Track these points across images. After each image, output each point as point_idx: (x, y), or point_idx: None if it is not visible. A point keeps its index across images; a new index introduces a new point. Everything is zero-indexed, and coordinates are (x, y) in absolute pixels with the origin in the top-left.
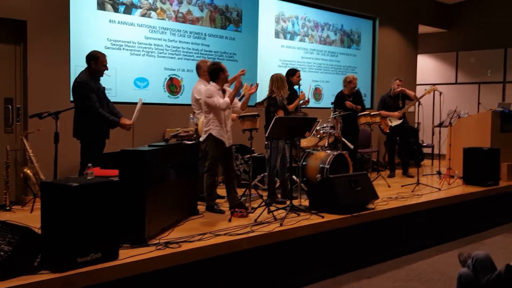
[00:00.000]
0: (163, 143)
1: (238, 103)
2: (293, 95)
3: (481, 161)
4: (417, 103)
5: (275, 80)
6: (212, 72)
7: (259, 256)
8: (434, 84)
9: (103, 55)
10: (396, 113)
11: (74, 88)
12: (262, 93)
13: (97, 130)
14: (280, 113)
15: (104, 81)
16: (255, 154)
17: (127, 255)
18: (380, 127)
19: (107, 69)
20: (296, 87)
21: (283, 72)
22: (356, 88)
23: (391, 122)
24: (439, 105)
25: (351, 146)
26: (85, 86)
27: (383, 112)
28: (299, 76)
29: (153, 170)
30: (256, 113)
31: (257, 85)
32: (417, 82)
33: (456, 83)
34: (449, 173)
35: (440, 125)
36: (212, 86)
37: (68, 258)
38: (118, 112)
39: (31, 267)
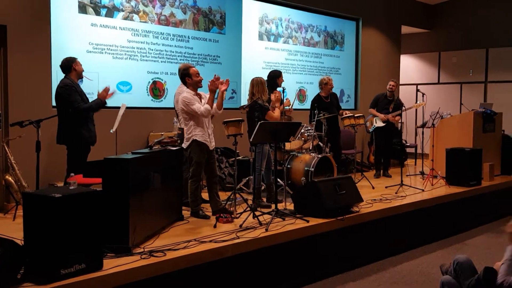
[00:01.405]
0: (147, 150)
1: (214, 105)
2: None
3: (464, 162)
4: (403, 109)
5: (256, 83)
6: (181, 78)
7: (245, 262)
8: (417, 84)
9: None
10: (382, 116)
11: (59, 93)
12: (245, 95)
13: (82, 134)
14: (277, 112)
15: (86, 85)
16: (240, 158)
17: (112, 265)
18: (365, 125)
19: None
20: (280, 89)
21: (266, 73)
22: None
23: (376, 123)
24: (422, 106)
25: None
26: (70, 88)
27: (372, 111)
28: (282, 78)
29: (137, 178)
30: (240, 118)
31: (227, 81)
32: (401, 82)
33: (438, 83)
34: (432, 173)
35: (423, 125)
36: (188, 93)
37: (52, 270)
38: None
39: (14, 279)
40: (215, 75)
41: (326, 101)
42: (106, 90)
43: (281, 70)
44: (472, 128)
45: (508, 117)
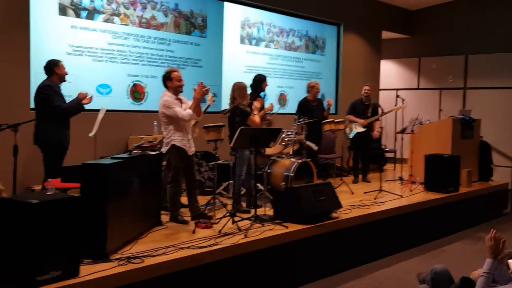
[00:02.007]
0: (126, 155)
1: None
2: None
3: (442, 168)
4: (380, 111)
5: (237, 88)
6: (163, 81)
7: (224, 268)
8: (397, 89)
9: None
10: (361, 121)
11: (38, 93)
12: (226, 99)
13: (56, 137)
14: (256, 118)
15: (65, 88)
16: (220, 162)
17: (89, 271)
18: (345, 132)
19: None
20: (262, 93)
21: (250, 77)
22: (319, 95)
23: (356, 128)
24: (402, 111)
25: (315, 148)
26: (51, 89)
27: (350, 117)
28: (266, 84)
29: (116, 184)
30: (221, 123)
31: (208, 89)
32: (381, 87)
33: (418, 88)
34: (410, 179)
35: (403, 131)
36: (169, 97)
37: (27, 276)
38: None
39: None
40: (200, 83)
41: (312, 105)
42: (86, 95)
43: (265, 75)
44: (450, 134)
45: (486, 123)
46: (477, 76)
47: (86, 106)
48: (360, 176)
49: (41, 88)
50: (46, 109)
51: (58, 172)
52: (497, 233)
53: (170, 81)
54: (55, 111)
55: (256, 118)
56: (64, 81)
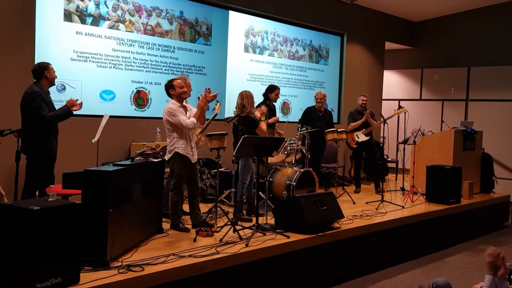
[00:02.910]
0: (128, 162)
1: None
2: (269, 112)
3: (444, 179)
4: (382, 121)
5: (245, 96)
6: (165, 90)
7: (224, 277)
8: (399, 100)
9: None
10: (362, 119)
11: (25, 99)
12: (231, 107)
13: (41, 147)
14: (263, 126)
15: (68, 93)
16: (222, 169)
17: (89, 279)
18: (346, 142)
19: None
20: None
21: (253, 85)
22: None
23: (358, 138)
24: (404, 122)
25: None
26: (38, 96)
27: (352, 124)
28: (277, 94)
29: (117, 191)
30: (224, 132)
31: (215, 94)
32: (383, 97)
33: (420, 99)
34: (412, 190)
35: (405, 142)
36: (173, 104)
37: (27, 283)
38: None
39: None
40: (208, 89)
41: (318, 114)
42: (75, 102)
43: (268, 83)
44: (452, 146)
45: (488, 135)
46: (479, 88)
47: (89, 112)
48: (363, 186)
49: (30, 95)
50: (34, 118)
51: (40, 181)
52: (496, 249)
53: (173, 89)
54: (42, 120)
55: (263, 126)
56: (54, 84)
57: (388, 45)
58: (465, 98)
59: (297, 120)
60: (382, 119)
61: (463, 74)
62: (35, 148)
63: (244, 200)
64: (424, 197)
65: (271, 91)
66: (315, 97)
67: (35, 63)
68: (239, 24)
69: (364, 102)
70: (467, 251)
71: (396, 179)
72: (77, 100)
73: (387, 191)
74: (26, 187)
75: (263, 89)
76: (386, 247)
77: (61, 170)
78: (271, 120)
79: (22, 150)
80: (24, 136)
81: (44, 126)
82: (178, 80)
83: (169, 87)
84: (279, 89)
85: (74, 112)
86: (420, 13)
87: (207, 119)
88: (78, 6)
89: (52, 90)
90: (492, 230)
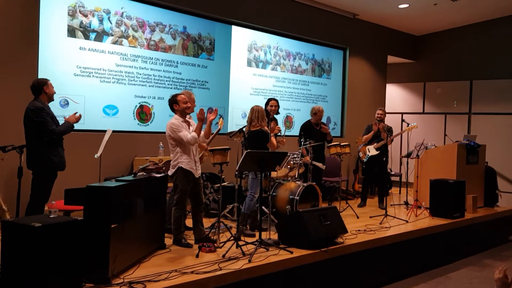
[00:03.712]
0: (130, 177)
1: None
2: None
3: (447, 193)
4: (395, 135)
5: (255, 111)
6: (169, 105)
7: None
8: (402, 113)
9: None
10: (376, 128)
11: (30, 116)
12: (233, 121)
13: (52, 160)
14: (274, 140)
15: (71, 108)
16: (225, 184)
17: None
18: (358, 155)
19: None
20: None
21: (256, 99)
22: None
23: (369, 152)
24: (407, 135)
25: (323, 167)
26: (42, 111)
27: (364, 137)
28: (271, 106)
29: (120, 207)
30: (227, 147)
31: (216, 110)
32: (386, 111)
33: (423, 112)
34: (416, 204)
35: (408, 155)
36: (176, 120)
37: None
38: None
39: None
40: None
41: (315, 128)
42: (76, 117)
43: (269, 97)
44: (456, 159)
45: (491, 149)
46: (482, 102)
47: (92, 127)
48: (368, 201)
49: (34, 111)
50: (40, 133)
51: (46, 196)
52: (504, 266)
53: (177, 104)
54: (49, 135)
55: (274, 141)
56: (53, 100)
57: (390, 59)
58: (467, 111)
59: (298, 134)
60: (395, 135)
61: (465, 87)
62: (43, 162)
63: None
64: (428, 211)
65: (267, 104)
66: (314, 112)
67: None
68: (242, 38)
69: (379, 115)
70: (471, 266)
71: (399, 193)
72: (76, 113)
73: (391, 205)
74: (32, 202)
75: None
76: (390, 262)
77: (63, 185)
78: (275, 131)
79: (28, 165)
80: (30, 152)
81: (51, 140)
82: (182, 95)
83: (173, 102)
84: (274, 100)
85: (77, 127)
86: (422, 27)
87: (212, 133)
88: (81, 22)
89: (55, 105)
90: (497, 244)
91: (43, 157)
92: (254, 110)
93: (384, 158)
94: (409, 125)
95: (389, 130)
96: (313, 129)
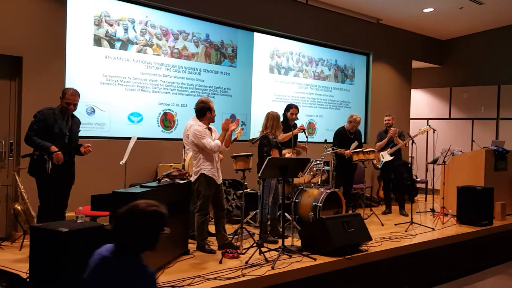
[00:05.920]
0: (155, 184)
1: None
2: (287, 131)
3: (475, 201)
4: (410, 141)
5: (271, 118)
6: (200, 110)
7: None
8: (428, 119)
9: (73, 93)
10: (390, 133)
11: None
12: (256, 127)
13: (40, 166)
14: (275, 153)
15: (97, 116)
16: (248, 190)
17: None
18: (373, 162)
19: (70, 107)
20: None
21: (279, 105)
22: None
23: (383, 158)
24: (433, 141)
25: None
26: (36, 116)
27: (378, 144)
28: (292, 114)
29: None
30: (249, 153)
31: (237, 120)
32: (411, 117)
33: (450, 118)
34: (443, 211)
35: (434, 162)
36: (200, 126)
37: None
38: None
39: None
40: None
41: (349, 136)
42: (58, 158)
43: (292, 103)
44: (483, 166)
45: None
46: (510, 107)
47: (117, 134)
48: (392, 207)
49: (35, 114)
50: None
51: (49, 203)
52: None
53: (210, 112)
54: (25, 139)
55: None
56: (67, 109)
57: (415, 64)
58: (495, 116)
59: (323, 141)
60: (409, 138)
61: (493, 92)
62: (37, 170)
63: (268, 222)
64: (455, 218)
65: (287, 110)
66: (350, 120)
67: (66, 87)
68: (264, 45)
69: (387, 121)
70: (500, 275)
71: (425, 200)
72: (59, 152)
73: (417, 212)
74: (38, 208)
75: None
76: (415, 270)
77: (90, 191)
78: (286, 136)
79: (31, 173)
80: (32, 158)
81: (27, 143)
82: (212, 103)
83: (208, 109)
84: (295, 108)
85: (103, 135)
86: (447, 32)
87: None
88: (107, 31)
89: (82, 113)
90: None
91: (37, 164)
92: (270, 118)
93: (397, 163)
94: (420, 129)
95: (401, 134)
96: (346, 136)
